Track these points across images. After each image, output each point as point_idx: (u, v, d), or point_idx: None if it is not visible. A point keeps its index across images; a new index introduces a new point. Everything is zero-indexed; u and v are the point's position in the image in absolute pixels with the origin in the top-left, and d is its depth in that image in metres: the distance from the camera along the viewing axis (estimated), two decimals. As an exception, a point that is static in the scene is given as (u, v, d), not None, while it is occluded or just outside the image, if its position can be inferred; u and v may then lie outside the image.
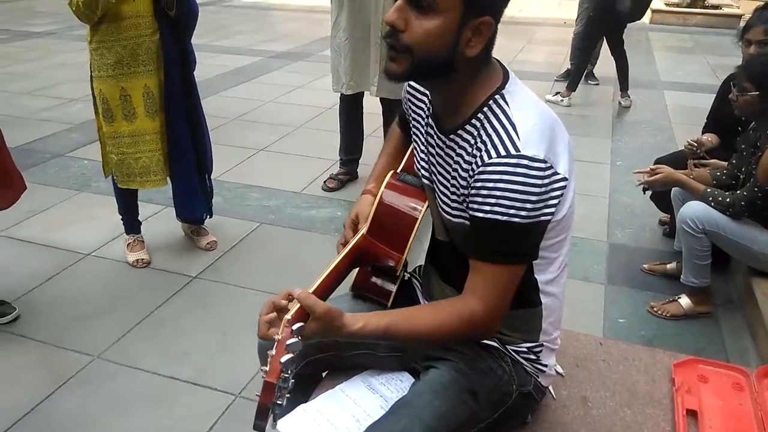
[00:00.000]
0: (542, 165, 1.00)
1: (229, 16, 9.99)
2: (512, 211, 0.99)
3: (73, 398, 2.04)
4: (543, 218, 1.03)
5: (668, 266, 2.76)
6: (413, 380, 1.32)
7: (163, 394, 2.06)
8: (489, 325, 1.10)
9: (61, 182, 3.67)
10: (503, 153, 1.00)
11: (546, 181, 1.00)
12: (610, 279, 2.77)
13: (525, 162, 0.99)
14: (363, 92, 3.47)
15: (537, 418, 1.34)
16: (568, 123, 4.84)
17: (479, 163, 1.02)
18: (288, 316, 0.98)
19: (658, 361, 1.54)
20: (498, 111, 1.05)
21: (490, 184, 1.00)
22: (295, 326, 0.95)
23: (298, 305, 1.01)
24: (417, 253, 1.41)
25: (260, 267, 2.82)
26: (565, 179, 1.03)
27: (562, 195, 1.03)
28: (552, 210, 1.03)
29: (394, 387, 1.35)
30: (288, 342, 0.93)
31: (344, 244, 1.30)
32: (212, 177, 2.93)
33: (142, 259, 2.79)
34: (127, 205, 2.82)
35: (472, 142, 1.06)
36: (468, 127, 1.07)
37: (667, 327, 2.44)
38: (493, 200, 1.00)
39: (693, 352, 2.24)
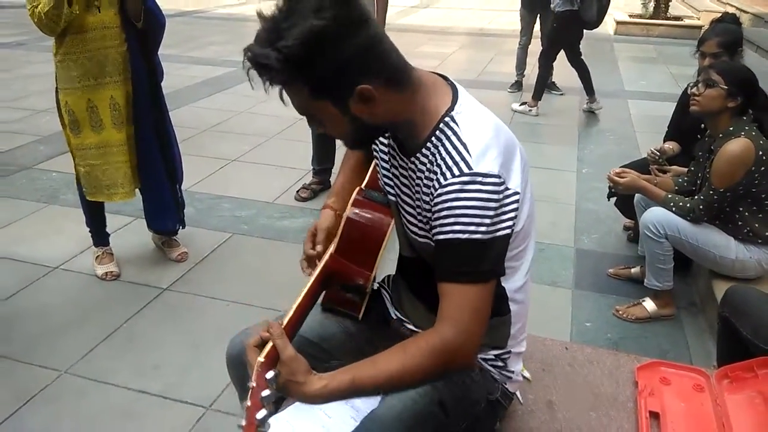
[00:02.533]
0: (496, 180, 1.02)
1: (202, 26, 9.93)
2: (471, 228, 1.01)
3: (39, 415, 2.00)
4: (503, 232, 1.05)
5: (632, 270, 2.83)
6: (385, 389, 1.33)
7: (133, 408, 2.04)
8: (465, 351, 1.07)
9: (28, 195, 3.60)
10: (457, 173, 1.02)
11: (501, 195, 1.03)
12: (577, 284, 2.82)
13: (479, 179, 1.01)
14: (334, 103, 3.48)
15: (504, 424, 1.37)
16: (535, 132, 5.00)
17: (436, 187, 1.05)
18: (261, 358, 0.97)
19: (622, 365, 1.58)
20: (449, 133, 1.06)
21: (447, 205, 1.02)
22: (269, 376, 0.95)
23: (271, 344, 1.00)
24: (386, 263, 1.43)
25: (232, 278, 2.80)
26: (516, 194, 1.06)
27: (516, 209, 1.06)
28: (510, 224, 1.05)
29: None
30: (263, 395, 0.93)
31: (307, 260, 1.30)
32: (183, 188, 2.91)
33: (111, 272, 2.76)
34: (94, 217, 2.78)
35: (428, 165, 1.08)
36: (424, 150, 1.09)
37: (633, 330, 2.50)
38: (451, 220, 1.02)
39: (657, 353, 2.31)
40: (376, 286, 1.41)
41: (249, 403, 0.92)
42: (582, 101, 5.63)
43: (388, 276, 1.44)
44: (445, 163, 1.04)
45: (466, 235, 1.02)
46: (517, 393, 1.42)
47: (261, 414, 0.91)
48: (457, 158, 1.03)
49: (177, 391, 2.11)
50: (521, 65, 6.11)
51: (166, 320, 2.50)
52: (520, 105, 5.50)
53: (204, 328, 2.44)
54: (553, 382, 1.51)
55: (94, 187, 2.61)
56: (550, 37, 5.36)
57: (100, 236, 2.82)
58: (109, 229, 2.87)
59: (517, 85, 6.16)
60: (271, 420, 1.26)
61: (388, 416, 1.12)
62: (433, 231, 1.06)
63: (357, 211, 1.29)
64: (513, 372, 1.28)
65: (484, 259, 1.05)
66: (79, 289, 2.70)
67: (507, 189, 1.04)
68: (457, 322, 1.04)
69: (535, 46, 6.03)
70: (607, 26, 10.06)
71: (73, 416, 1.99)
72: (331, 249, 1.29)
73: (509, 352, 1.25)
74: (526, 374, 1.51)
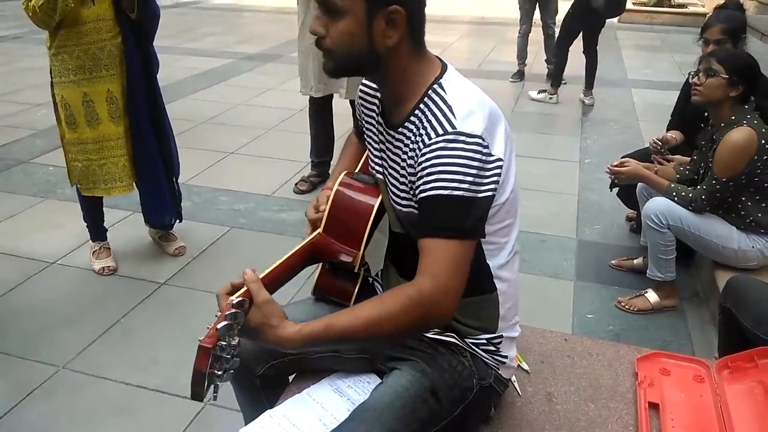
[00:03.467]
0: (480, 141, 1.03)
1: (199, 17, 9.88)
2: (453, 185, 1.02)
3: (38, 410, 1.99)
4: (485, 194, 1.05)
5: (635, 261, 2.81)
6: (379, 381, 1.32)
7: (131, 403, 2.03)
8: (442, 306, 1.03)
9: (25, 189, 3.59)
10: (441, 132, 1.05)
11: (485, 157, 1.04)
12: (579, 275, 2.80)
13: (462, 138, 1.03)
14: (332, 94, 3.46)
15: (502, 415, 1.35)
16: (537, 122, 4.98)
17: (421, 147, 1.07)
18: (233, 298, 1.00)
19: (622, 356, 1.56)
20: (436, 98, 1.09)
21: (430, 163, 1.04)
22: (236, 300, 0.97)
23: (245, 288, 1.03)
24: (378, 256, 1.41)
25: (230, 272, 2.73)
26: (500, 160, 1.07)
27: (499, 174, 1.07)
28: (494, 187, 1.06)
29: (361, 389, 1.35)
30: (227, 312, 0.95)
31: (312, 228, 1.30)
32: (181, 181, 2.89)
33: (108, 267, 2.74)
34: (92, 211, 2.77)
35: (414, 130, 1.10)
36: (412, 118, 1.11)
37: (635, 321, 2.48)
38: (434, 177, 1.03)
39: (659, 345, 2.29)
40: (370, 280, 1.40)
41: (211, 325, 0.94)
42: (586, 98, 5.58)
43: (381, 270, 1.42)
44: (431, 125, 1.07)
45: (447, 192, 1.02)
46: (516, 384, 1.40)
47: (222, 324, 0.92)
48: (442, 119, 1.06)
49: (175, 385, 2.10)
50: (522, 54, 6.07)
51: (164, 315, 2.48)
52: (539, 93, 5.47)
53: (202, 323, 2.38)
54: (552, 374, 1.49)
55: (91, 182, 2.60)
56: (565, 25, 5.31)
57: (97, 231, 2.81)
58: (106, 223, 2.86)
59: (519, 75, 6.12)
60: (269, 413, 1.26)
61: (380, 404, 1.13)
62: (417, 191, 1.07)
63: (344, 190, 1.29)
64: (506, 357, 1.26)
65: (464, 217, 1.04)
66: (76, 284, 2.69)
67: (491, 154, 1.05)
68: (435, 275, 1.02)
69: (536, 35, 5.98)
70: (610, 14, 9.99)
71: (71, 411, 1.99)
72: (319, 228, 1.28)
73: (501, 336, 1.24)
74: (525, 366, 1.49)
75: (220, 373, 0.92)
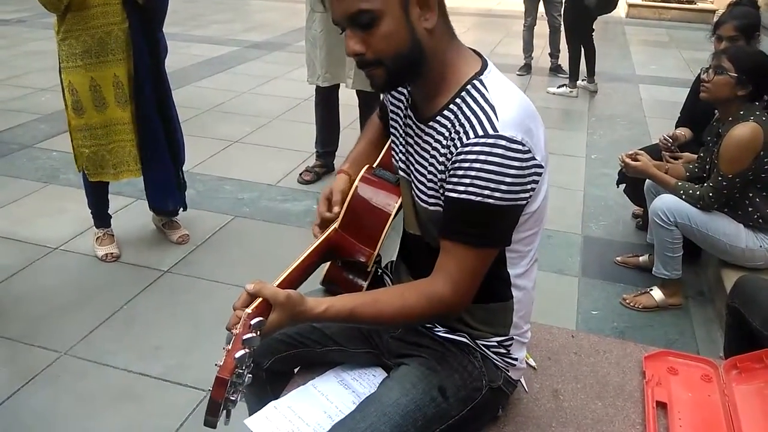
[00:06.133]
0: (520, 147, 0.98)
1: (205, 4, 9.83)
2: (486, 192, 0.98)
3: (40, 395, 1.99)
4: (518, 202, 1.01)
5: (641, 259, 2.79)
6: (386, 375, 1.31)
7: (133, 390, 2.03)
8: (457, 307, 1.09)
9: (29, 174, 3.58)
10: (481, 133, 0.99)
11: (524, 164, 0.99)
12: (584, 271, 2.79)
13: (503, 143, 0.97)
14: (339, 84, 3.43)
15: (509, 412, 1.34)
16: (544, 116, 4.93)
17: (458, 145, 1.01)
18: (248, 310, 0.95)
19: (629, 354, 1.55)
20: (476, 94, 1.03)
21: (466, 164, 0.99)
22: (254, 321, 0.93)
23: (260, 299, 0.98)
24: (390, 249, 1.40)
25: (233, 261, 2.78)
26: (541, 166, 1.02)
27: (538, 182, 1.02)
28: (528, 195, 1.02)
29: (366, 382, 1.34)
30: (245, 337, 0.90)
31: (319, 225, 1.28)
32: (185, 169, 2.87)
33: (112, 253, 2.74)
34: (97, 198, 2.76)
35: (449, 126, 1.04)
36: (446, 112, 1.06)
37: (639, 319, 2.47)
38: (467, 180, 0.99)
39: (664, 343, 2.28)
40: (380, 272, 1.39)
41: (229, 346, 0.90)
42: (590, 85, 5.56)
43: (391, 262, 1.41)
44: (469, 122, 1.01)
45: (479, 198, 0.98)
46: (522, 381, 1.39)
47: (240, 353, 0.89)
48: (483, 118, 1.00)
49: (177, 373, 2.10)
50: (528, 47, 6.03)
51: (167, 303, 2.48)
52: (559, 87, 5.47)
53: (205, 311, 2.42)
54: (559, 371, 1.48)
55: (100, 167, 2.58)
56: (564, 21, 5.37)
57: (101, 218, 2.80)
58: (110, 210, 2.84)
59: (526, 68, 6.08)
60: (273, 405, 1.25)
61: (387, 398, 1.12)
62: (447, 187, 1.03)
63: (364, 187, 1.26)
64: (516, 359, 1.25)
65: (493, 226, 1.02)
66: (79, 270, 2.68)
67: (533, 159, 1.00)
68: (456, 282, 1.04)
69: (541, 28, 5.94)
70: (619, 9, 9.91)
71: (73, 397, 1.99)
72: (336, 224, 1.26)
73: (512, 338, 1.23)
74: (532, 362, 1.48)
75: (234, 398, 0.90)
